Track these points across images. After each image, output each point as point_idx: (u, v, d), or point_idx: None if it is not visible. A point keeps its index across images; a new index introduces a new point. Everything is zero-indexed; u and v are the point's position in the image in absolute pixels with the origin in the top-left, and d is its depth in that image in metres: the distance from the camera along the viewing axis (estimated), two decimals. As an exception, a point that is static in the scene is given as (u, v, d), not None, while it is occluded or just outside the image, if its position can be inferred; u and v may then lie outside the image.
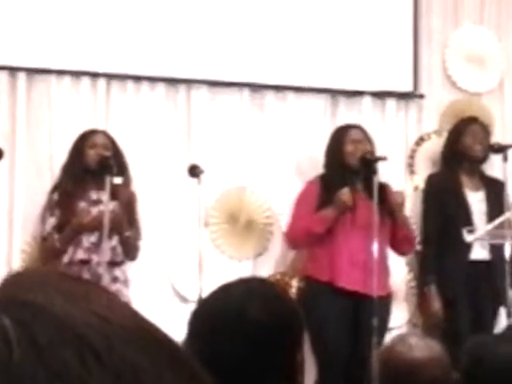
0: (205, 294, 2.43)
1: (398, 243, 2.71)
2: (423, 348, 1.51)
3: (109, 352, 0.22)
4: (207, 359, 0.90)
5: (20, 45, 2.62)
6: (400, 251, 2.75)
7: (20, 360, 0.21)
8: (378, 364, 1.64)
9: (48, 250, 2.68)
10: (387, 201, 2.64)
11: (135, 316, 0.25)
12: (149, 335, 0.24)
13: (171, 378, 0.23)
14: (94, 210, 2.65)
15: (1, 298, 0.23)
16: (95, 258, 2.60)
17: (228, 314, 0.95)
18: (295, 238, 2.69)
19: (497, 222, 2.63)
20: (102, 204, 2.61)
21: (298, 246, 2.74)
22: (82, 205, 2.66)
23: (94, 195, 2.68)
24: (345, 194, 2.53)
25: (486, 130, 2.82)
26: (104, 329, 0.22)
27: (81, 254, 2.62)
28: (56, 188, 2.67)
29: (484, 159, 2.82)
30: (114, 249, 2.62)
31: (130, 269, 2.68)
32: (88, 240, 2.62)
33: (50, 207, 2.66)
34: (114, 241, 2.62)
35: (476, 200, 2.82)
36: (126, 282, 2.63)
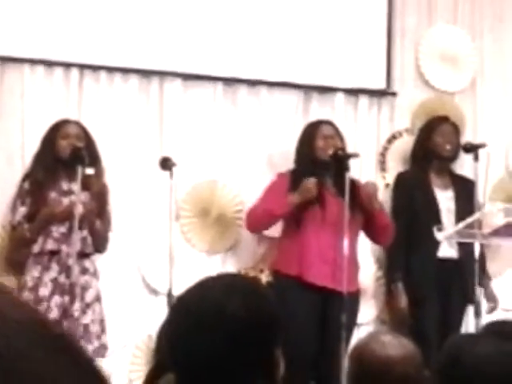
0: (175, 287, 2.47)
1: (376, 233, 2.72)
2: (396, 346, 1.53)
3: (7, 349, 0.23)
4: (186, 355, 0.90)
5: (-7, 33, 2.61)
6: (378, 241, 2.77)
7: None
8: (349, 361, 1.65)
9: (18, 239, 2.67)
10: (358, 196, 2.67)
11: (32, 312, 0.25)
12: (45, 331, 0.25)
13: (70, 373, 0.24)
14: (65, 201, 2.64)
15: None
16: (65, 249, 2.60)
17: (207, 309, 0.95)
18: (254, 219, 2.64)
19: (468, 220, 2.66)
20: (73, 195, 2.61)
21: (255, 227, 2.69)
22: (53, 195, 2.65)
23: (65, 185, 2.67)
24: (310, 182, 2.55)
25: (456, 130, 2.85)
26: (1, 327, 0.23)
27: (51, 245, 2.61)
28: (27, 177, 2.66)
29: (454, 158, 2.85)
30: (84, 240, 2.62)
31: (101, 260, 2.68)
32: (58, 230, 2.61)
33: (20, 196, 2.65)
34: (85, 232, 2.62)
35: (445, 198, 2.86)
36: (95, 274, 2.63)
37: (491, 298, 2.86)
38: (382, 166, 2.89)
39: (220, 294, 0.95)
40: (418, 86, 2.86)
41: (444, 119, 2.85)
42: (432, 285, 2.77)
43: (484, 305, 2.75)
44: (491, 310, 2.84)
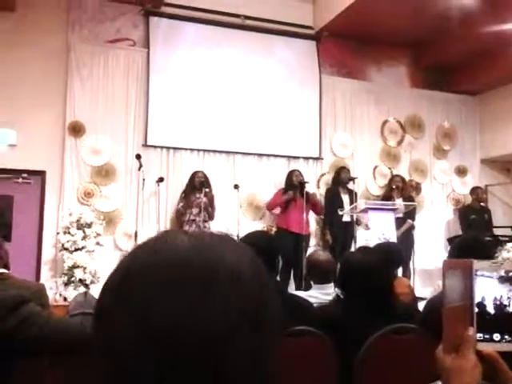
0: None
1: (318, 212, 7.07)
2: (324, 255, 3.53)
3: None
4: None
5: None
6: (318, 214, 7.12)
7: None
8: (306, 262, 3.98)
9: (178, 214, 6.87)
10: (309, 198, 6.98)
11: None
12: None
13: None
14: (197, 201, 6.87)
15: None
16: (198, 218, 6.80)
17: (248, 242, 2.91)
18: (268, 206, 7.01)
19: (352, 206, 7.02)
20: (200, 198, 6.83)
21: (270, 209, 7.05)
22: (193, 198, 6.87)
23: (197, 195, 6.90)
24: (289, 193, 6.88)
25: (348, 171, 7.26)
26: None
27: (192, 216, 6.82)
28: (183, 192, 6.85)
29: (347, 182, 7.22)
30: (205, 215, 6.83)
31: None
32: (195, 211, 6.81)
33: (180, 199, 6.85)
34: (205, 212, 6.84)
35: (345, 198, 7.20)
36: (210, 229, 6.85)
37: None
38: (318, 185, 7.31)
39: (256, 237, 3.14)
40: (330, 154, 7.34)
41: (343, 167, 7.28)
42: (339, 232, 7.09)
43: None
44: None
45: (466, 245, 2.82)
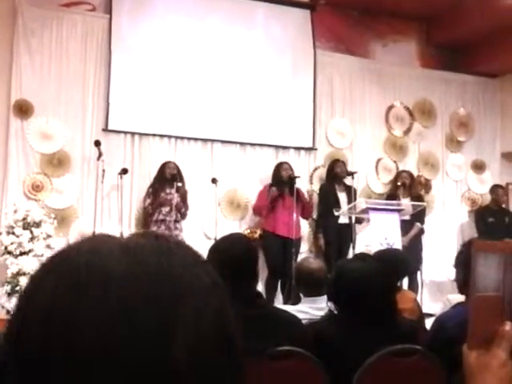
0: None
1: (305, 214, 7.09)
2: (316, 263, 3.55)
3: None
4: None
5: None
6: (305, 218, 7.14)
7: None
8: (295, 270, 3.78)
9: (145, 214, 6.85)
10: (299, 196, 7.00)
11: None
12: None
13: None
14: (168, 197, 6.84)
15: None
16: (168, 218, 6.80)
17: (221, 248, 2.57)
18: (254, 211, 7.02)
19: (349, 206, 7.05)
20: (171, 195, 6.82)
21: (256, 214, 7.06)
22: (163, 194, 6.85)
23: (167, 190, 6.87)
24: (272, 190, 6.87)
25: (344, 165, 7.29)
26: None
27: (161, 216, 6.80)
28: (151, 186, 6.82)
29: (344, 177, 7.24)
30: (176, 214, 6.82)
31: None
32: (165, 210, 6.80)
33: (147, 195, 6.82)
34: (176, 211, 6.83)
35: (342, 196, 7.24)
36: (181, 230, 6.84)
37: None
38: (311, 181, 7.33)
39: (230, 241, 2.58)
40: (326, 144, 7.38)
41: (339, 160, 7.31)
42: (334, 236, 7.12)
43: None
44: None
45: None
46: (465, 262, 2.90)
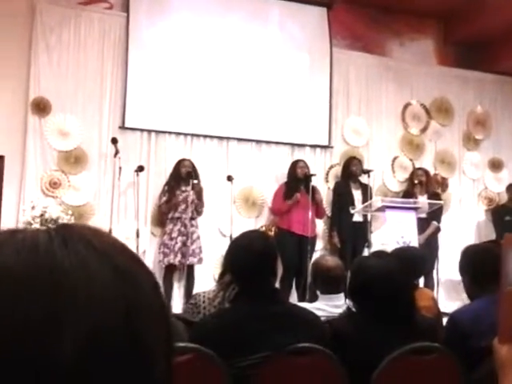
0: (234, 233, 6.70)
1: (318, 214, 7.08)
2: (333, 260, 3.51)
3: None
4: (231, 261, 2.63)
5: None
6: (319, 217, 7.13)
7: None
8: (312, 267, 3.77)
9: (161, 212, 6.87)
10: (314, 194, 6.99)
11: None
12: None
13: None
14: (183, 195, 6.86)
15: None
16: (184, 215, 6.82)
17: (241, 245, 2.57)
18: (274, 212, 7.04)
19: (365, 204, 7.04)
20: (187, 192, 6.84)
21: (275, 215, 7.07)
22: (178, 192, 6.86)
23: (183, 188, 6.89)
24: (298, 195, 6.87)
25: (360, 163, 7.27)
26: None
27: (177, 214, 6.82)
28: (167, 184, 6.84)
29: (359, 175, 7.23)
30: (192, 212, 6.85)
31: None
32: (181, 208, 6.83)
33: (163, 192, 6.84)
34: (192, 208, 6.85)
35: (357, 194, 7.23)
36: (197, 226, 6.86)
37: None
38: (327, 179, 7.33)
39: (249, 237, 2.62)
40: (342, 142, 7.37)
41: (354, 158, 7.29)
42: (349, 234, 7.11)
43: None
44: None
45: (479, 258, 2.84)
46: (467, 267, 2.92)
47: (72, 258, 0.55)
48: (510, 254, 0.78)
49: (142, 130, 6.85)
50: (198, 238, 6.58)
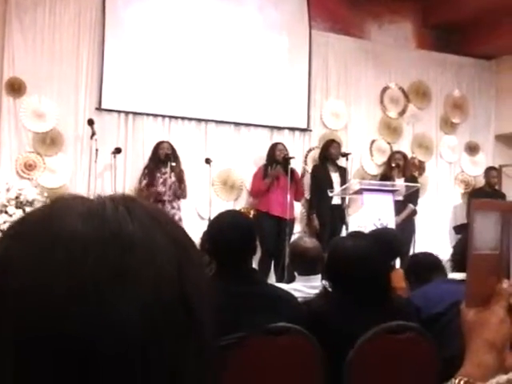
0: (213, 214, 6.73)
1: (297, 197, 7.10)
2: (310, 242, 3.60)
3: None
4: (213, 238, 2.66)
5: None
6: (297, 200, 7.16)
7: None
8: (289, 249, 4.01)
9: (143, 196, 6.84)
10: (294, 177, 7.01)
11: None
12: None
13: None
14: (163, 177, 6.83)
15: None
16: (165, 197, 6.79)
17: (226, 221, 2.81)
18: (253, 194, 7.04)
19: (343, 187, 7.07)
20: (166, 174, 6.80)
21: (255, 197, 7.08)
22: (158, 175, 6.83)
23: (163, 170, 6.86)
24: (277, 169, 6.88)
25: (339, 146, 7.29)
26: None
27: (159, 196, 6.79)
28: (146, 167, 6.80)
29: (337, 158, 7.26)
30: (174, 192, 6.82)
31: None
32: (161, 189, 6.80)
33: (143, 175, 6.80)
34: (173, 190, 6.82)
35: (335, 177, 7.26)
36: (179, 209, 6.84)
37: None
38: (305, 162, 7.34)
39: (228, 218, 3.28)
40: (320, 125, 7.37)
41: (333, 141, 7.31)
42: (327, 216, 7.15)
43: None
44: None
45: (420, 263, 3.03)
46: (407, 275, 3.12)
47: (137, 228, 0.58)
48: (476, 219, 0.79)
49: (119, 112, 6.79)
50: (180, 219, 6.56)
